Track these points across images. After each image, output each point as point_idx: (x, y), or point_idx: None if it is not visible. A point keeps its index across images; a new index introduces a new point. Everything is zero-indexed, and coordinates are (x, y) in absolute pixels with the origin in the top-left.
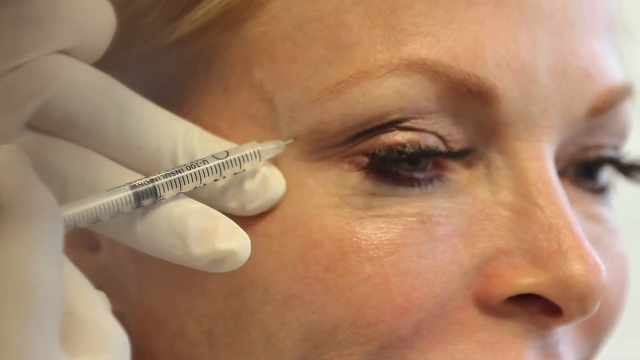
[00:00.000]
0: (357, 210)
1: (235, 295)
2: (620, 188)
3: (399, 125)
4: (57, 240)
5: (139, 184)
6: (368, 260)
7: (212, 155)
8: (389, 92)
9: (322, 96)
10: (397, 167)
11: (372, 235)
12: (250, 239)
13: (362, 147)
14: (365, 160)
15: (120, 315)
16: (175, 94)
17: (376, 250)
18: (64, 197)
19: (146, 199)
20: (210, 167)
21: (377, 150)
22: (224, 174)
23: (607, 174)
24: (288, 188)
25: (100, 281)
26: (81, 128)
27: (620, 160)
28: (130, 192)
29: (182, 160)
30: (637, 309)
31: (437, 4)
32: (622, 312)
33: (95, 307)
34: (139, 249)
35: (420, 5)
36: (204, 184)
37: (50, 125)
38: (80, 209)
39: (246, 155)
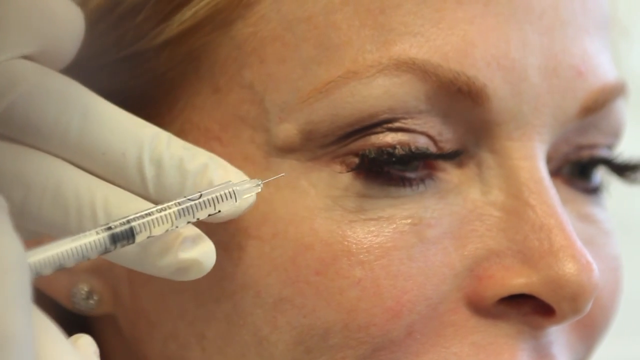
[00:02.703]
0: (349, 214)
1: (227, 298)
2: (614, 188)
3: (389, 125)
4: (28, 291)
5: (114, 226)
6: (358, 264)
7: (186, 197)
8: (378, 92)
9: (311, 96)
10: (388, 167)
11: (363, 239)
12: (242, 241)
13: (352, 148)
14: (355, 160)
15: (112, 317)
16: (165, 95)
17: (366, 254)
18: (25, 207)
19: (123, 240)
20: (183, 209)
21: (367, 151)
22: (197, 215)
23: (600, 174)
24: (281, 188)
25: (93, 284)
26: (43, 134)
27: (614, 160)
28: (104, 234)
29: (148, 167)
30: (631, 309)
31: (426, 3)
32: (616, 313)
33: (59, 346)
34: (106, 259)
35: (410, 5)
36: (176, 227)
37: (12, 131)
38: (44, 255)
39: (221, 196)
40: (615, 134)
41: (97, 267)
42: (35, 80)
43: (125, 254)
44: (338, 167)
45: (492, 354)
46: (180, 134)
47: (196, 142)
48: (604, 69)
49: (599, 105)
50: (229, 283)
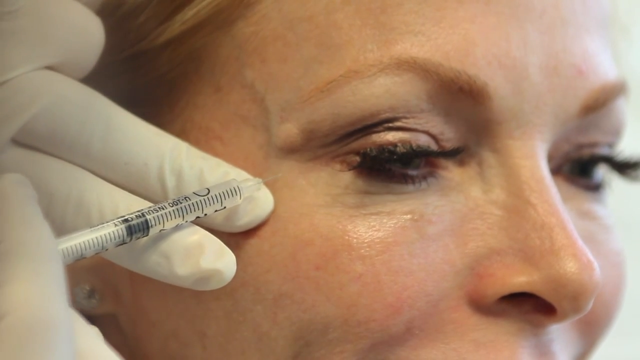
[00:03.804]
0: (349, 209)
1: (227, 295)
2: (615, 188)
3: (390, 125)
4: (62, 278)
5: (130, 218)
6: (359, 258)
7: (194, 192)
8: (379, 91)
9: (313, 96)
10: (389, 165)
11: (364, 234)
12: (240, 241)
13: (354, 147)
14: (357, 159)
15: (114, 316)
16: (167, 95)
17: (367, 249)
18: (49, 214)
19: (138, 232)
20: (192, 203)
21: (368, 149)
22: (205, 211)
23: (602, 172)
24: (279, 188)
25: (95, 282)
26: (67, 144)
27: (614, 158)
28: (122, 225)
29: (169, 177)
30: (632, 308)
31: (428, 2)
32: (619, 310)
33: (92, 341)
34: (123, 265)
35: (411, 4)
36: (187, 221)
37: (37, 141)
38: (67, 245)
39: (227, 191)
40: (615, 133)
41: (98, 266)
42: (59, 90)
43: (146, 263)
44: (338, 166)
45: (492, 351)
46: (181, 133)
47: (197, 141)
48: (605, 67)
49: (599, 104)
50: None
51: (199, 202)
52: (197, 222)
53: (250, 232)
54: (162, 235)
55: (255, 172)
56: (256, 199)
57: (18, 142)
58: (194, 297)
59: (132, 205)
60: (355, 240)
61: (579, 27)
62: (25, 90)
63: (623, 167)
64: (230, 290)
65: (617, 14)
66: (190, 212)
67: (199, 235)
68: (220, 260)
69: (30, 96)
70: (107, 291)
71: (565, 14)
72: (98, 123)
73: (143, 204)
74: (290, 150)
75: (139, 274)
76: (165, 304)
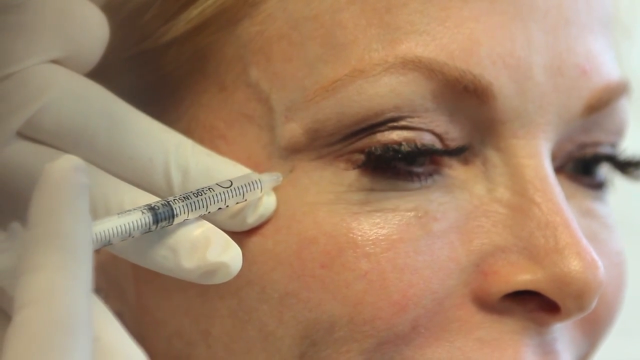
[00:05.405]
0: (353, 206)
1: (232, 294)
2: (618, 189)
3: (394, 124)
4: (90, 273)
5: (156, 207)
6: (364, 256)
7: (217, 184)
8: (384, 90)
9: (318, 95)
10: (394, 163)
11: (368, 231)
12: (244, 238)
13: (358, 146)
14: (361, 158)
15: (118, 315)
16: (172, 94)
17: (372, 246)
18: None
19: (163, 221)
20: (216, 194)
21: (373, 148)
22: (227, 202)
23: (604, 171)
24: (282, 187)
25: (99, 281)
26: (73, 138)
27: (617, 157)
28: (148, 213)
29: (175, 173)
30: (633, 309)
31: (432, 2)
32: (620, 309)
33: (118, 333)
34: (129, 259)
35: (416, 4)
36: (209, 212)
37: (42, 134)
38: (100, 228)
39: (249, 184)
40: (618, 133)
41: (102, 265)
42: (65, 84)
43: (153, 256)
44: (343, 165)
45: (496, 349)
46: (186, 132)
47: (201, 140)
48: (608, 67)
49: (602, 104)
50: (234, 279)
51: (222, 194)
52: (204, 219)
53: (253, 230)
54: (168, 229)
55: (257, 171)
56: (259, 198)
57: (24, 135)
58: (199, 296)
59: (138, 199)
60: (359, 237)
61: (582, 27)
62: (31, 83)
63: (625, 166)
64: (235, 289)
65: (619, 14)
66: (214, 202)
67: (205, 228)
68: (226, 253)
69: (36, 89)
70: (112, 290)
71: (569, 14)
72: (103, 117)
73: (149, 199)
74: (294, 150)
75: (143, 273)
76: (169, 302)
